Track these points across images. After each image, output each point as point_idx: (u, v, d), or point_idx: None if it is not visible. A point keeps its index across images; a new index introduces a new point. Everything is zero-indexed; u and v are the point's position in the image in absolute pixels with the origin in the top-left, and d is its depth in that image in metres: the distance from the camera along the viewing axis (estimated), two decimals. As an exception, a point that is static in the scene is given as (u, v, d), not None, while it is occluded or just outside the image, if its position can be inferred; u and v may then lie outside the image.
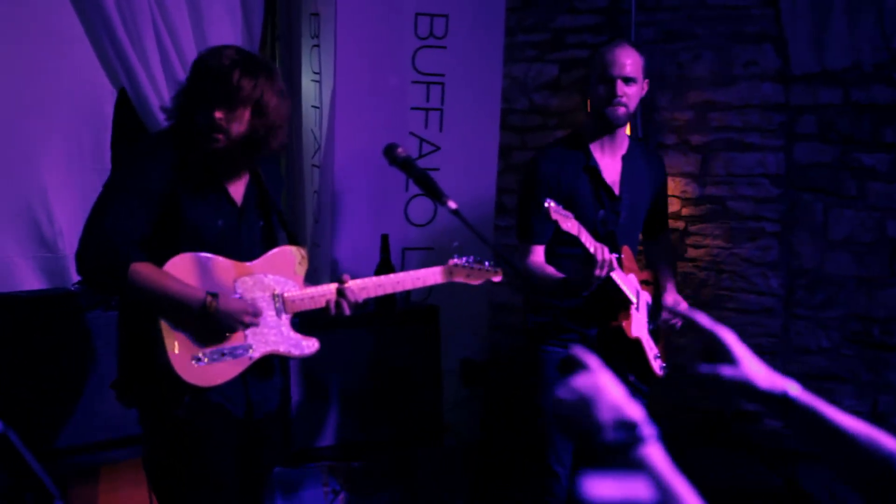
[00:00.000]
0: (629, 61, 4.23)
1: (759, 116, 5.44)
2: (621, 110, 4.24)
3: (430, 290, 5.48)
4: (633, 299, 4.28)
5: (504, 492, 5.56)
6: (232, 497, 3.61)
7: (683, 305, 4.45)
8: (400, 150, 3.66)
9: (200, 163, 3.48)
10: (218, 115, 3.39)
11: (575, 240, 3.90)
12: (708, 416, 5.43)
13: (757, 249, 5.47)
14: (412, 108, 5.66)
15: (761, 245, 5.46)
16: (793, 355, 5.38)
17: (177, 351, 3.39)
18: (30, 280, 4.84)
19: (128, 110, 5.19)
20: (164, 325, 3.38)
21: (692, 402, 5.46)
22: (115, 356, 3.63)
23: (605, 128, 4.32)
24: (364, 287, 3.72)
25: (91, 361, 4.30)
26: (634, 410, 1.64)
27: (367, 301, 3.79)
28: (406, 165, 3.64)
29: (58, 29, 4.92)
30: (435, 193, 3.54)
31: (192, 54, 5.12)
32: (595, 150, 4.35)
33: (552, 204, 3.83)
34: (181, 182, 3.45)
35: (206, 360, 3.43)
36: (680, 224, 5.64)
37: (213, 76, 3.40)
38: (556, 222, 3.83)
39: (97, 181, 3.71)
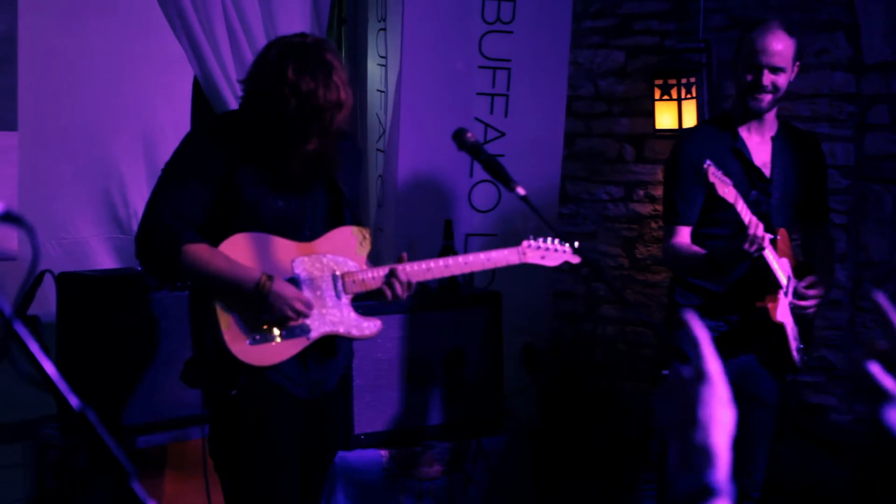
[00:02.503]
0: (779, 47, 4.11)
1: (830, 106, 5.37)
2: (766, 98, 4.13)
3: (493, 275, 5.47)
4: (784, 283, 4.15)
5: (565, 479, 5.55)
6: (293, 480, 3.60)
7: (814, 291, 4.26)
8: (469, 134, 3.64)
9: (263, 142, 3.47)
10: (290, 76, 3.38)
11: (724, 219, 3.84)
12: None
13: (824, 241, 5.40)
14: (478, 94, 5.64)
15: (829, 236, 5.39)
16: (858, 348, 5.31)
17: (231, 330, 3.40)
18: (105, 260, 4.92)
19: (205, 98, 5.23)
20: (219, 305, 3.40)
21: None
22: (181, 336, 3.66)
23: (751, 113, 4.21)
24: (429, 269, 3.69)
25: (158, 341, 4.34)
26: (722, 466, 1.50)
27: (430, 284, 3.76)
28: (475, 150, 3.63)
29: (136, 12, 4.97)
30: (504, 179, 3.52)
31: (261, 39, 5.15)
32: (742, 131, 4.23)
33: (712, 167, 3.76)
34: (240, 163, 3.45)
35: (261, 339, 3.44)
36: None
37: (300, 49, 3.41)
38: (712, 186, 3.75)
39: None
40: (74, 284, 4.32)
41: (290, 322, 3.46)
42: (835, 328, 5.38)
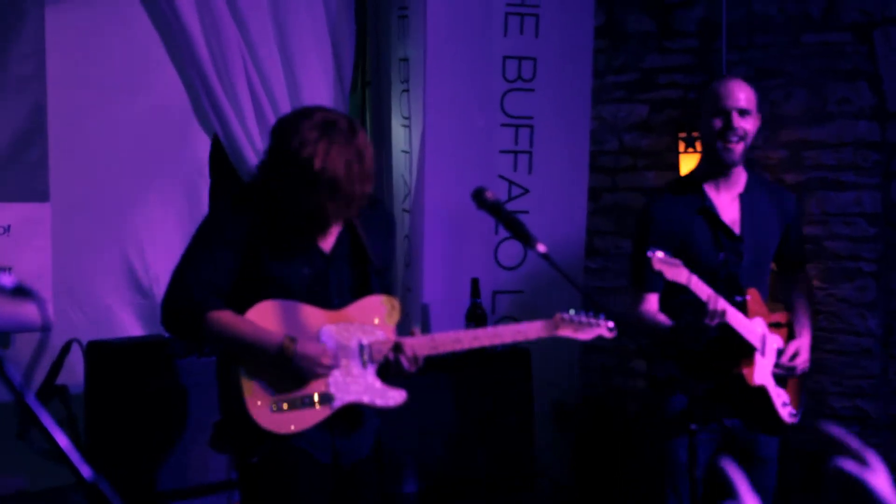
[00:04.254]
0: (743, 95, 4.05)
1: (854, 154, 5.35)
2: (738, 146, 4.04)
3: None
4: (757, 345, 4.05)
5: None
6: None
7: (800, 359, 4.18)
8: (488, 193, 3.64)
9: (286, 217, 3.50)
10: (319, 165, 3.40)
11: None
12: (822, 464, 5.28)
13: (854, 290, 5.36)
14: (501, 151, 5.67)
15: (858, 285, 5.34)
16: (892, 397, 5.25)
17: (254, 396, 3.40)
18: (129, 327, 4.96)
19: (224, 156, 5.28)
20: (242, 372, 3.40)
21: (806, 447, 5.35)
22: (210, 402, 3.66)
23: (720, 167, 4.10)
24: (458, 340, 3.64)
25: (187, 407, 4.35)
26: None
27: (432, 357, 3.70)
28: (494, 209, 3.63)
29: (153, 78, 5.05)
30: (524, 237, 3.52)
31: (284, 101, 5.21)
32: (710, 189, 4.12)
33: (658, 254, 3.67)
34: (266, 234, 3.47)
35: (284, 406, 3.43)
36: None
37: (291, 161, 3.41)
38: (660, 273, 3.68)
39: (192, 228, 3.78)
40: (103, 353, 4.35)
41: (320, 376, 3.46)
42: (868, 377, 5.32)
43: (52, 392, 3.88)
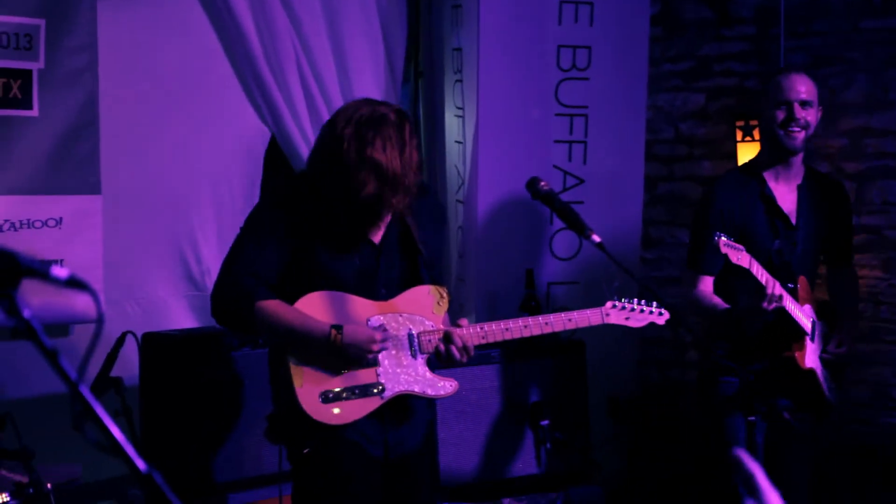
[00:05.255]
0: (804, 87, 4.17)
1: (917, 142, 5.26)
2: (800, 135, 4.16)
3: (577, 324, 5.40)
4: (808, 330, 4.17)
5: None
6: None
7: (845, 347, 4.32)
8: (543, 183, 3.62)
9: (335, 208, 3.49)
10: (369, 153, 3.38)
11: (746, 271, 3.84)
12: (883, 456, 5.19)
13: (917, 280, 5.28)
14: (555, 141, 5.62)
15: (921, 275, 5.26)
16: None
17: (304, 388, 3.40)
18: (182, 318, 4.97)
19: (279, 150, 5.28)
20: (291, 362, 3.40)
21: (866, 440, 5.27)
22: (264, 393, 3.66)
23: (781, 155, 4.23)
24: (507, 329, 3.61)
25: (242, 399, 4.35)
26: None
27: (489, 344, 3.69)
28: (548, 199, 3.61)
29: (206, 71, 5.05)
30: (578, 227, 3.49)
31: (335, 94, 5.20)
32: (769, 178, 4.27)
33: (722, 238, 3.78)
34: (315, 225, 3.47)
35: (333, 397, 3.42)
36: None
37: (334, 151, 3.41)
38: (726, 256, 3.79)
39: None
40: (157, 344, 4.36)
41: (370, 362, 3.45)
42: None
43: (107, 384, 3.89)
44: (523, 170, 4.56)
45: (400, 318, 3.56)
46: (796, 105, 4.13)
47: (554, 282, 5.61)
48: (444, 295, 3.63)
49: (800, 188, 4.28)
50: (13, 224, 4.43)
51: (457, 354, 3.51)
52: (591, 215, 3.82)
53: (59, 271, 1.70)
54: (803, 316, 4.14)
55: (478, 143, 5.43)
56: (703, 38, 5.93)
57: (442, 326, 3.60)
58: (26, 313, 1.66)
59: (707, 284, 4.27)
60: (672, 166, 6.08)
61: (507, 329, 3.63)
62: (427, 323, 3.59)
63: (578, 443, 5.01)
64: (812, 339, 4.22)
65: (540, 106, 5.57)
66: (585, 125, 5.64)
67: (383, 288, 3.57)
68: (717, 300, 4.21)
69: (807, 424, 4.31)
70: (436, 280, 3.67)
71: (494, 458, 4.87)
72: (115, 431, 1.71)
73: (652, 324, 3.89)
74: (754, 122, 5.60)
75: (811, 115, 4.17)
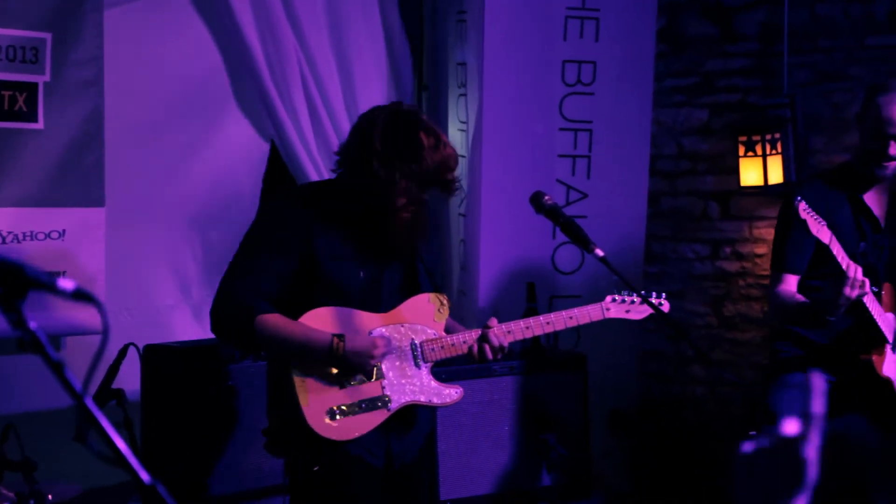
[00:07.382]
0: None
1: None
2: (892, 166, 4.09)
3: (578, 337, 5.41)
4: (889, 338, 4.06)
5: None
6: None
7: None
8: (546, 197, 3.63)
9: (355, 212, 3.48)
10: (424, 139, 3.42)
11: (831, 273, 3.76)
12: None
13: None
14: (559, 156, 5.63)
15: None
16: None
17: (310, 406, 3.37)
18: (184, 331, 4.97)
19: (281, 163, 5.29)
20: (296, 380, 3.38)
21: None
22: (263, 407, 3.66)
23: (872, 179, 4.17)
24: (510, 331, 3.64)
25: (242, 411, 4.35)
26: None
27: (513, 347, 3.71)
28: (552, 213, 3.61)
29: (210, 85, 5.07)
30: (582, 241, 3.50)
31: (339, 106, 5.21)
32: (859, 182, 4.21)
33: (802, 203, 3.71)
34: (320, 234, 3.45)
35: (340, 413, 3.41)
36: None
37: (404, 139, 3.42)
38: (804, 223, 3.70)
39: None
40: (159, 356, 4.36)
41: (374, 370, 3.44)
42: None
43: (109, 395, 3.89)
44: (526, 184, 4.57)
45: (402, 329, 3.56)
46: (892, 142, 4.03)
47: (557, 295, 5.61)
48: (445, 302, 3.64)
49: (891, 192, 4.22)
50: (16, 235, 4.44)
51: (489, 354, 3.54)
52: (594, 229, 3.82)
53: (66, 283, 1.70)
54: (885, 321, 4.02)
55: (481, 156, 5.43)
56: (707, 54, 5.94)
57: (444, 334, 3.60)
58: (32, 325, 1.67)
59: (790, 283, 4.16)
60: (675, 181, 6.09)
61: (509, 332, 3.63)
62: (429, 331, 3.59)
63: (579, 456, 5.01)
64: (894, 350, 4.08)
65: (544, 120, 5.57)
66: (590, 140, 5.65)
67: (386, 298, 3.57)
68: (800, 297, 4.11)
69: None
70: (436, 287, 3.68)
71: (494, 471, 4.86)
72: (120, 443, 1.71)
73: (653, 314, 3.85)
74: (757, 138, 5.61)
75: None
